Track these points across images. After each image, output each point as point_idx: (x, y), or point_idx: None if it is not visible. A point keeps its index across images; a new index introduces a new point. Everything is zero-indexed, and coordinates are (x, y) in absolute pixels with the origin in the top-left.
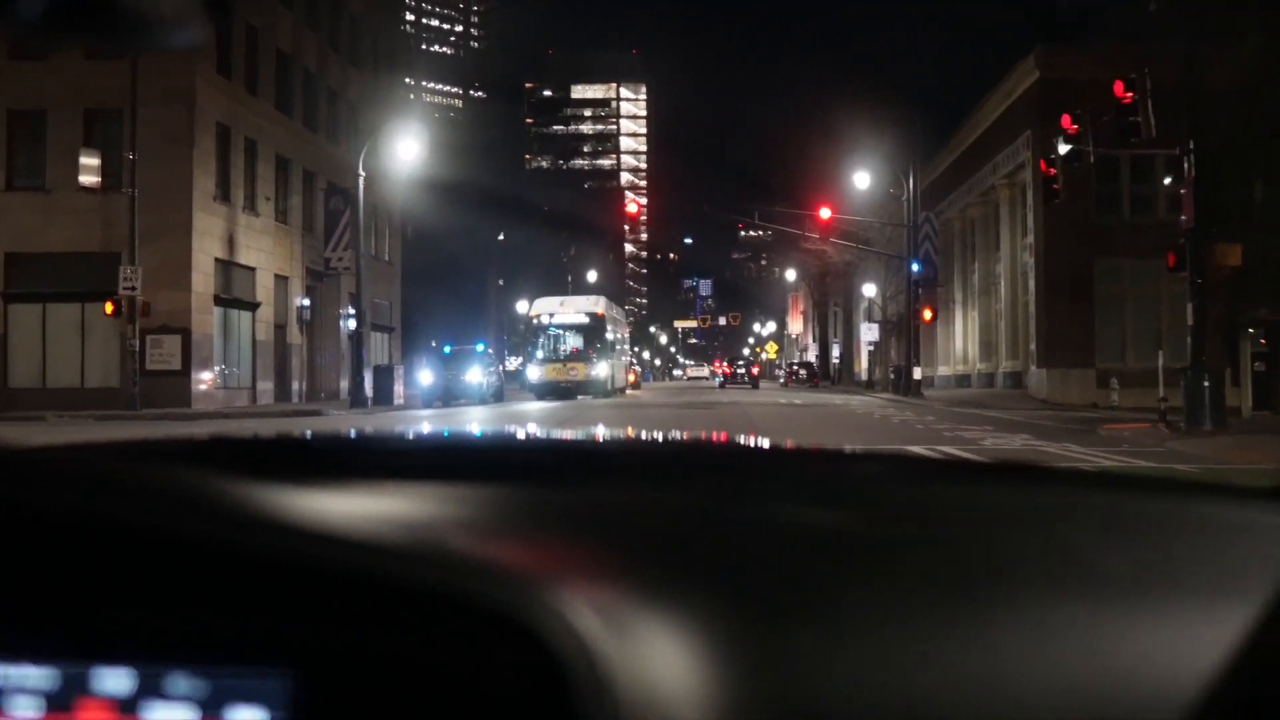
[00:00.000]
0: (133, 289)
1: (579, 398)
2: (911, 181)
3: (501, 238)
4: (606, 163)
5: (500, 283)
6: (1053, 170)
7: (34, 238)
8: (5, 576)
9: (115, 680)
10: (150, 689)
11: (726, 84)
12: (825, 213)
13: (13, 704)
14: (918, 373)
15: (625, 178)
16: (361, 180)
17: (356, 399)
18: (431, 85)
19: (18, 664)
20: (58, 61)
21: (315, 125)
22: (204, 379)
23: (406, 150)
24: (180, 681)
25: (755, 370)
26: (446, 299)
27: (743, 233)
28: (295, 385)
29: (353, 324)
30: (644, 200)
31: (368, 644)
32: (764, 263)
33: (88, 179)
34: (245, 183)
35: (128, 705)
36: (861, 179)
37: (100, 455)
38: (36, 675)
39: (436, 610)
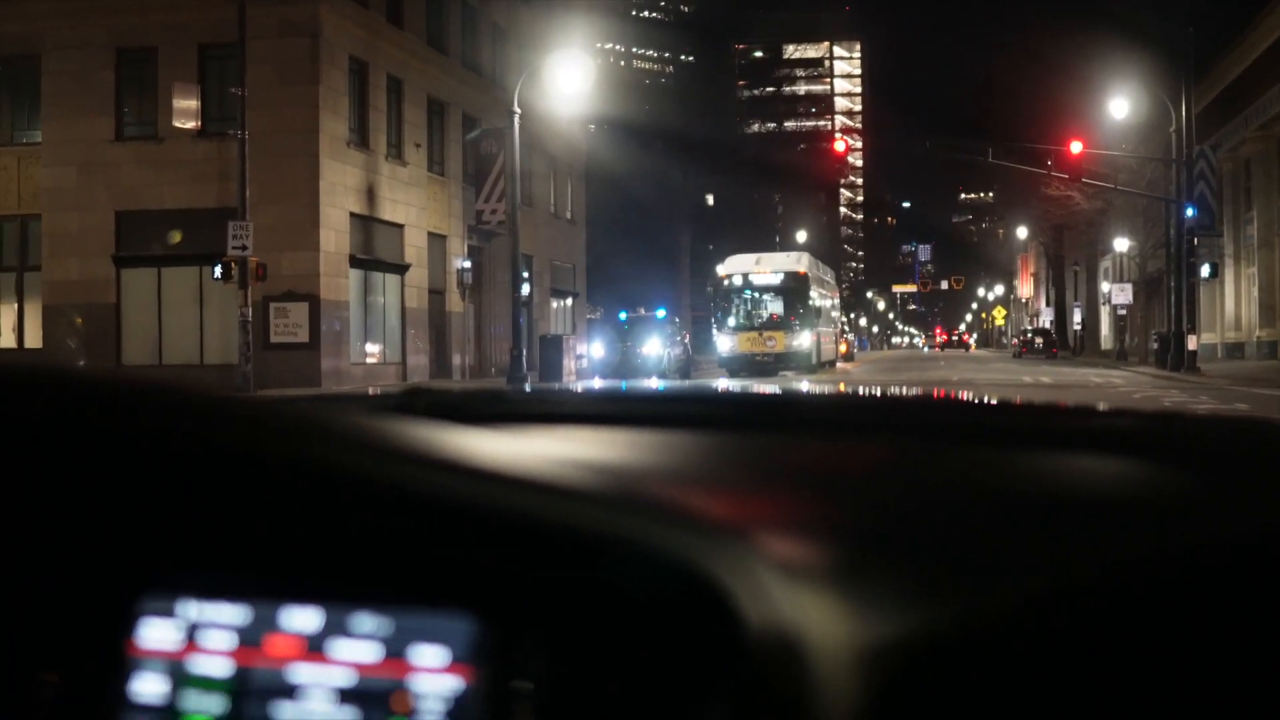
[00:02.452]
0: (243, 248)
1: (779, 373)
2: (1185, 106)
3: (710, 201)
4: (820, 124)
5: (710, 248)
6: None
7: (146, 193)
8: (202, 519)
9: (304, 618)
10: (337, 627)
11: (948, 33)
12: (1076, 146)
13: (206, 638)
14: (1192, 342)
15: (844, 137)
16: (516, 119)
17: (514, 374)
18: (641, 51)
19: (213, 600)
20: None
21: (478, 66)
22: (337, 353)
23: (576, 87)
24: (366, 621)
25: (966, 338)
26: (644, 264)
27: (963, 195)
28: (457, 359)
29: (524, 289)
30: (858, 148)
31: (548, 588)
32: (986, 225)
33: (204, 124)
34: (389, 127)
35: (315, 642)
36: (1119, 107)
37: (296, 405)
38: (230, 611)
39: (621, 556)
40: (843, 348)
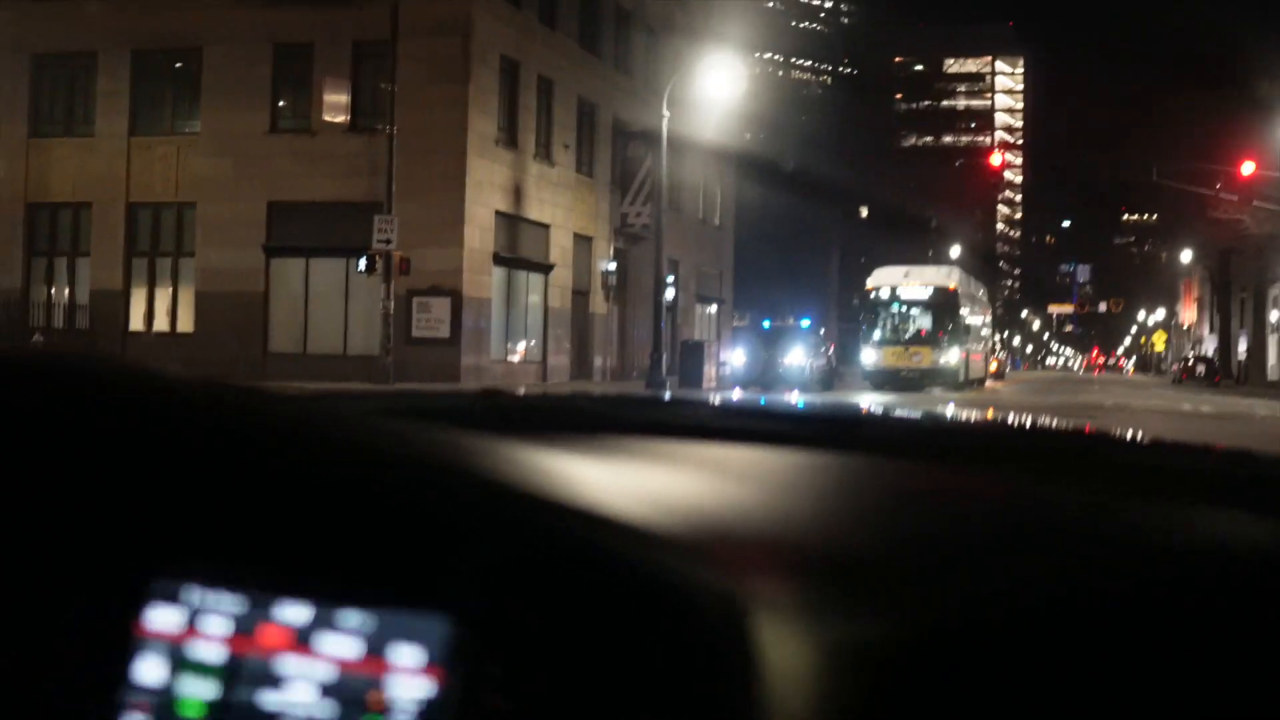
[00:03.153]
0: (388, 242)
1: (925, 389)
2: None
3: (864, 213)
4: (979, 139)
5: (862, 260)
6: None
7: (297, 185)
8: (207, 508)
9: (295, 611)
10: (324, 621)
11: (1114, 47)
12: (1248, 167)
13: (205, 623)
14: None
15: (1003, 154)
16: (665, 122)
17: (653, 378)
18: (799, 62)
19: (214, 589)
20: None
21: (629, 69)
22: (478, 350)
23: (728, 92)
24: (351, 617)
25: (1121, 363)
26: (793, 274)
27: (1126, 216)
28: (599, 361)
29: (669, 293)
30: (1017, 164)
31: (525, 595)
32: (1149, 248)
33: (355, 120)
34: (539, 128)
35: (303, 634)
36: None
37: (302, 401)
38: (229, 600)
39: (608, 579)
40: (993, 366)
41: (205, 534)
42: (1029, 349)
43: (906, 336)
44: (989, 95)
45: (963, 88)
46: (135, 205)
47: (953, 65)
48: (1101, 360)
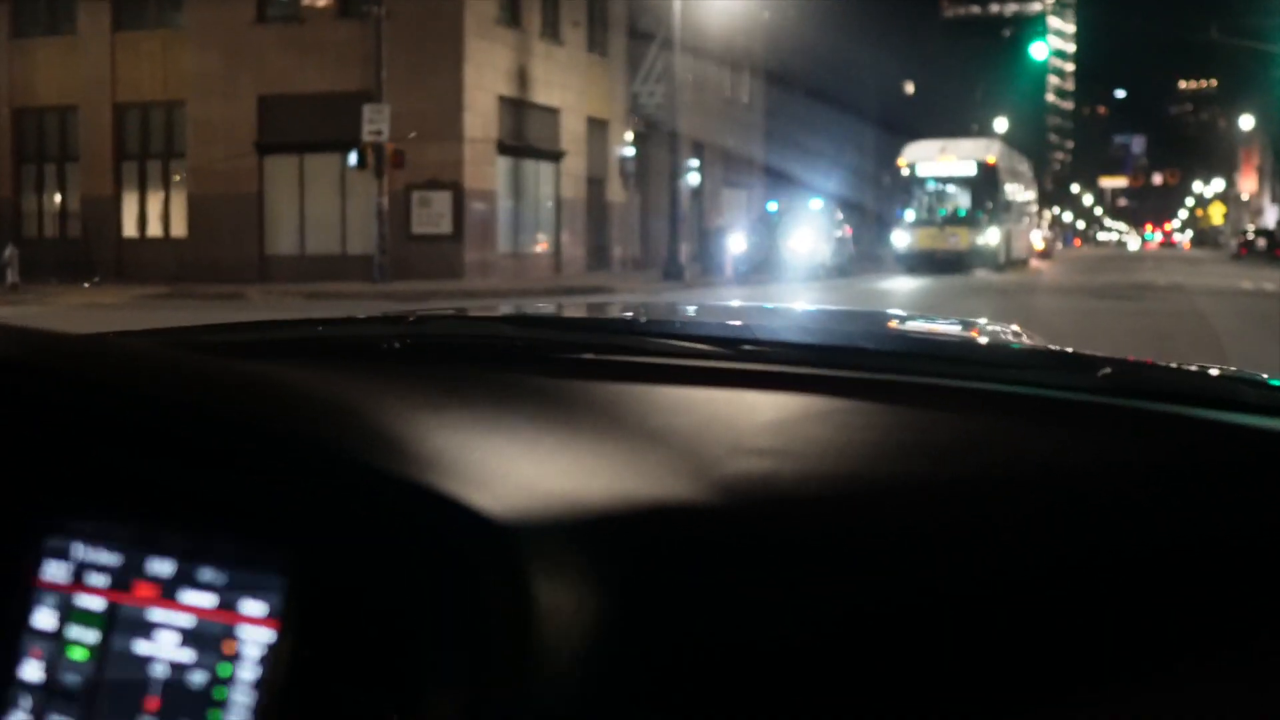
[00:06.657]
0: (380, 133)
1: (965, 271)
2: None
3: (910, 89)
4: (1026, 6)
5: (909, 141)
6: None
7: (288, 77)
8: (90, 469)
9: (162, 566)
10: (185, 577)
11: None
12: None
13: (89, 578)
14: None
15: (1053, 22)
16: None
17: (670, 270)
18: None
19: (95, 548)
20: None
21: None
22: (483, 244)
23: None
24: (207, 573)
25: (1174, 238)
26: (833, 156)
27: (1182, 83)
28: (617, 251)
29: (693, 178)
30: (1070, 32)
31: (347, 558)
32: (1206, 116)
33: (345, 4)
34: (544, 3)
35: (168, 588)
36: None
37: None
38: (108, 556)
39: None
40: (1041, 244)
41: (86, 493)
42: (1080, 225)
43: (942, 216)
44: None
45: None
46: (122, 106)
47: None
48: (1162, 236)
